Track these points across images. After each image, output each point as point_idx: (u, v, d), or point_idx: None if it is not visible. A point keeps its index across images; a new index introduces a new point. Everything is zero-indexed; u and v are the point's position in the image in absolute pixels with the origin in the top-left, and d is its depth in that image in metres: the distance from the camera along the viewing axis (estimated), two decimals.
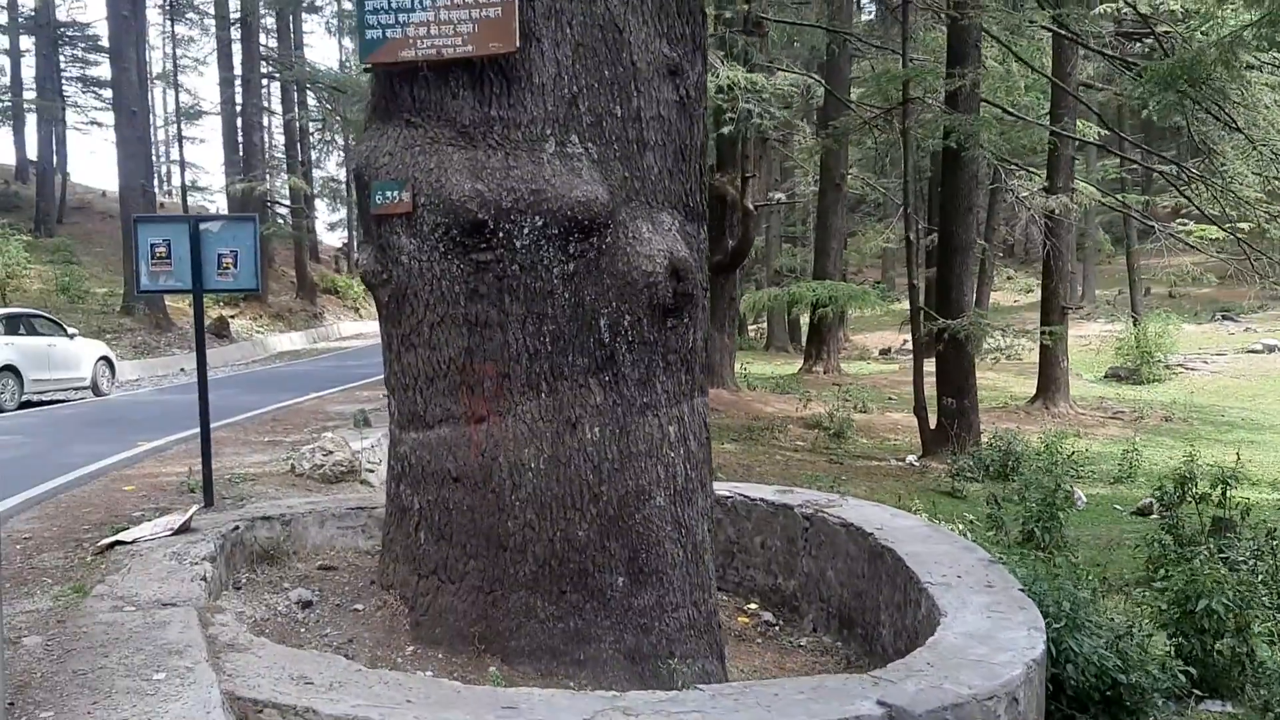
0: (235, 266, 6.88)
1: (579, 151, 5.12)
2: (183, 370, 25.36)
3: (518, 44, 4.89)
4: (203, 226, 6.87)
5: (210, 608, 4.77)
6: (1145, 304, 34.72)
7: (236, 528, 6.09)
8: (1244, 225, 17.06)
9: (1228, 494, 9.34)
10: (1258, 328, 36.92)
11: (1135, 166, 32.38)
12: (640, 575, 5.17)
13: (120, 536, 5.82)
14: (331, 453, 8.17)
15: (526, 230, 4.98)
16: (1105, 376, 29.44)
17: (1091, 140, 23.21)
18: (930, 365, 17.09)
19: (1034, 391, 22.33)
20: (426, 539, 5.24)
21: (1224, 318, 38.66)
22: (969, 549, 6.22)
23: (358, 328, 44.56)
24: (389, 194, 5.07)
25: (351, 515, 6.82)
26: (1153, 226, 21.36)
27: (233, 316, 33.66)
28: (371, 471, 8.70)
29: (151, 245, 6.80)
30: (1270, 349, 33.65)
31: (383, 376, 5.67)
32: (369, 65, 5.15)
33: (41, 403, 17.10)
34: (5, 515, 7.00)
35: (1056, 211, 19.62)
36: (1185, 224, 21.39)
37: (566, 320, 5.07)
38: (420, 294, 5.12)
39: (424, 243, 5.05)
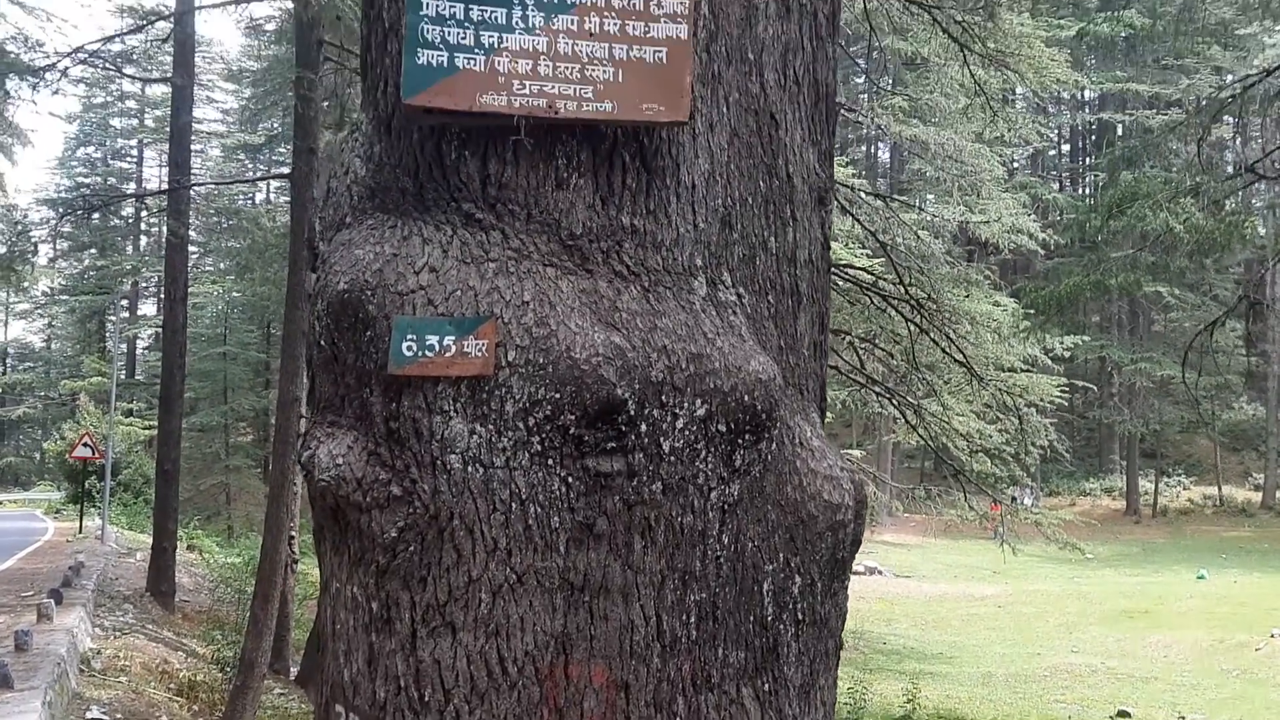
0: None
1: (732, 299, 3.11)
2: None
3: (688, 113, 2.88)
4: None
5: None
6: None
7: None
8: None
9: None
10: None
11: None
12: None
13: None
14: None
15: (681, 423, 2.85)
16: None
17: None
18: None
19: None
20: None
21: None
22: None
23: None
24: (436, 342, 2.72)
25: None
26: None
27: None
28: None
29: None
30: (871, 570, 35.84)
31: None
32: (416, 107, 2.83)
33: None
34: None
35: None
36: None
37: (721, 584, 2.92)
38: (480, 529, 2.73)
39: (501, 434, 2.72)
